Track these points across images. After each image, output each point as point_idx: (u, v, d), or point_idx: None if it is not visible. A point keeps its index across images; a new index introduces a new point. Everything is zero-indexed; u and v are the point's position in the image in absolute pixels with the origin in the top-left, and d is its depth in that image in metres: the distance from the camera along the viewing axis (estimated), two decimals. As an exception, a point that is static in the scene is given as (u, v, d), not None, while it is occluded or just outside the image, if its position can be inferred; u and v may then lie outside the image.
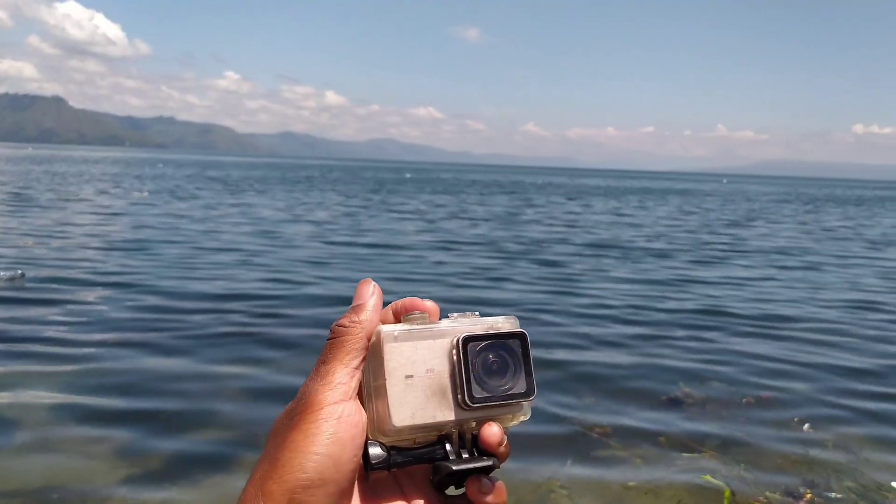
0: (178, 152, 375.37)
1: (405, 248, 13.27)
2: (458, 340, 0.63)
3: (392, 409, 0.62)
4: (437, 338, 0.64)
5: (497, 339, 0.65)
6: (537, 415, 4.95)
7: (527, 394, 0.64)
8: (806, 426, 4.92)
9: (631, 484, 4.00)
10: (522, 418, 0.66)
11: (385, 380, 0.62)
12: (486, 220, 20.91)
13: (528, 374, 0.65)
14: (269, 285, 9.11)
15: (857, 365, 6.43)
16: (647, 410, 5.18)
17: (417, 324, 0.64)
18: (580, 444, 4.54)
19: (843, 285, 10.69)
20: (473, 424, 0.64)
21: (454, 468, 0.63)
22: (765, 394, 5.54)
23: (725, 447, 4.54)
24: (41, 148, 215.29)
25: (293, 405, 0.61)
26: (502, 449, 0.64)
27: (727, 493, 3.89)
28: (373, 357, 0.63)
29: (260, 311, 7.61)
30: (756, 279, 11.10)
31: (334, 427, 0.58)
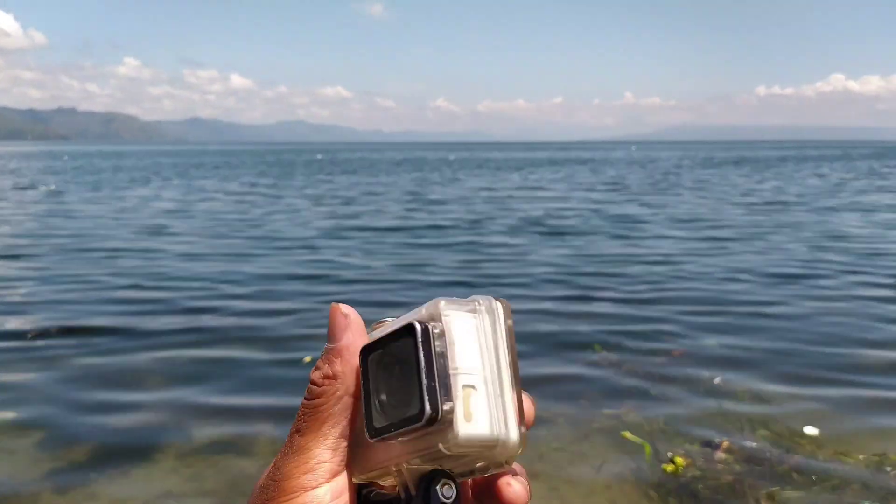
0: (82, 143, 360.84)
1: (301, 240, 12.07)
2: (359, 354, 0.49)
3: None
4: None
5: (390, 342, 0.47)
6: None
7: (417, 417, 0.44)
8: (717, 379, 5.02)
9: (555, 444, 4.00)
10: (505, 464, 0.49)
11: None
12: (398, 201, 20.74)
13: (429, 387, 0.44)
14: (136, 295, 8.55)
15: (762, 323, 6.59)
16: (566, 372, 5.21)
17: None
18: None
19: (750, 249, 10.97)
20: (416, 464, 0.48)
21: None
22: (676, 350, 5.65)
23: (643, 403, 4.58)
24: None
25: (265, 482, 0.50)
26: None
27: (647, 449, 3.93)
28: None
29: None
30: (665, 246, 11.31)
31: None
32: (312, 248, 11.05)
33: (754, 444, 3.98)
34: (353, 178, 33.08)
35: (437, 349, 0.44)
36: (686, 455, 3.84)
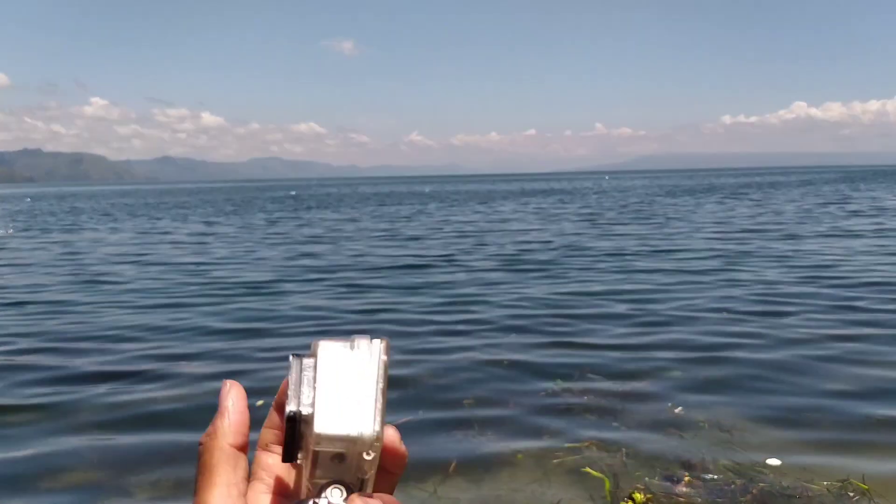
0: (49, 185, 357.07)
1: (265, 286, 11.03)
2: None
3: None
4: None
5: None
6: (421, 416, 4.86)
7: (289, 418, 0.56)
8: (678, 409, 4.94)
9: (513, 483, 3.89)
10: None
11: None
12: (365, 237, 20.61)
13: (294, 395, 0.56)
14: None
15: (722, 352, 6.51)
16: (527, 407, 5.10)
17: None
18: (463, 443, 4.41)
19: (720, 280, 10.96)
20: None
21: None
22: (638, 381, 5.56)
23: (605, 437, 4.49)
24: None
25: None
26: None
27: (607, 485, 3.83)
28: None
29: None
30: (632, 278, 11.27)
31: None
32: (266, 294, 10.35)
33: (716, 477, 3.90)
34: (321, 213, 32.94)
35: (306, 371, 0.55)
36: (646, 489, 3.75)
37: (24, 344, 7.33)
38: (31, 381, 6.00)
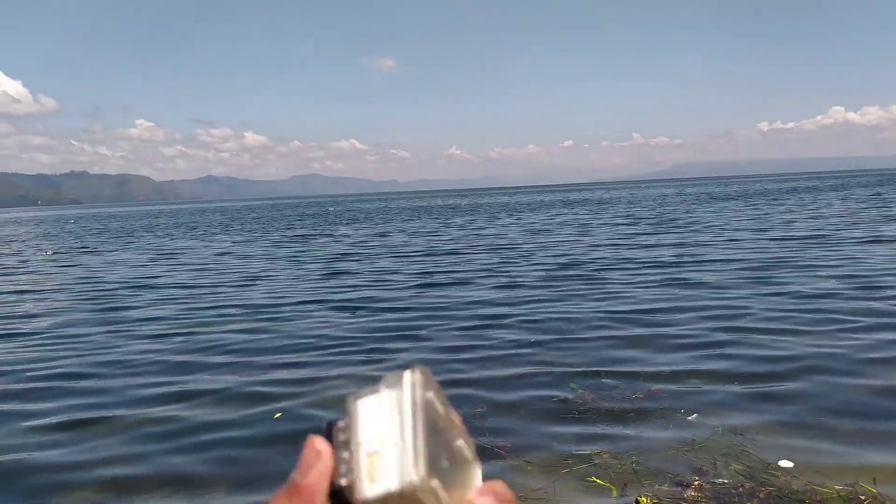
0: (94, 207, 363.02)
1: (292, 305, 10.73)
2: None
3: None
4: None
5: None
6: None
7: (332, 494, 0.53)
8: (692, 416, 4.90)
9: (519, 492, 3.89)
10: None
11: None
12: (396, 254, 20.49)
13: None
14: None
15: (738, 357, 6.43)
16: (539, 415, 5.09)
17: None
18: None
19: (745, 287, 10.80)
20: None
21: None
22: (654, 387, 5.52)
23: (616, 444, 4.48)
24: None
25: None
26: None
27: (615, 493, 3.83)
28: None
29: None
30: (652, 287, 11.12)
31: None
32: (276, 317, 9.83)
33: (726, 481, 3.87)
34: (353, 228, 33.10)
35: (341, 437, 0.52)
36: (654, 496, 3.74)
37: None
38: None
